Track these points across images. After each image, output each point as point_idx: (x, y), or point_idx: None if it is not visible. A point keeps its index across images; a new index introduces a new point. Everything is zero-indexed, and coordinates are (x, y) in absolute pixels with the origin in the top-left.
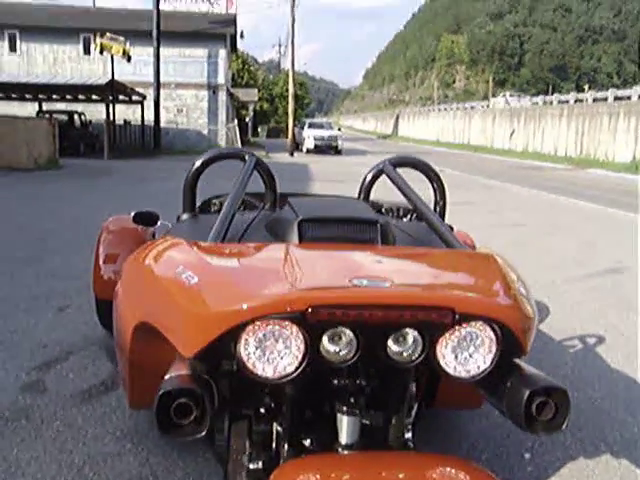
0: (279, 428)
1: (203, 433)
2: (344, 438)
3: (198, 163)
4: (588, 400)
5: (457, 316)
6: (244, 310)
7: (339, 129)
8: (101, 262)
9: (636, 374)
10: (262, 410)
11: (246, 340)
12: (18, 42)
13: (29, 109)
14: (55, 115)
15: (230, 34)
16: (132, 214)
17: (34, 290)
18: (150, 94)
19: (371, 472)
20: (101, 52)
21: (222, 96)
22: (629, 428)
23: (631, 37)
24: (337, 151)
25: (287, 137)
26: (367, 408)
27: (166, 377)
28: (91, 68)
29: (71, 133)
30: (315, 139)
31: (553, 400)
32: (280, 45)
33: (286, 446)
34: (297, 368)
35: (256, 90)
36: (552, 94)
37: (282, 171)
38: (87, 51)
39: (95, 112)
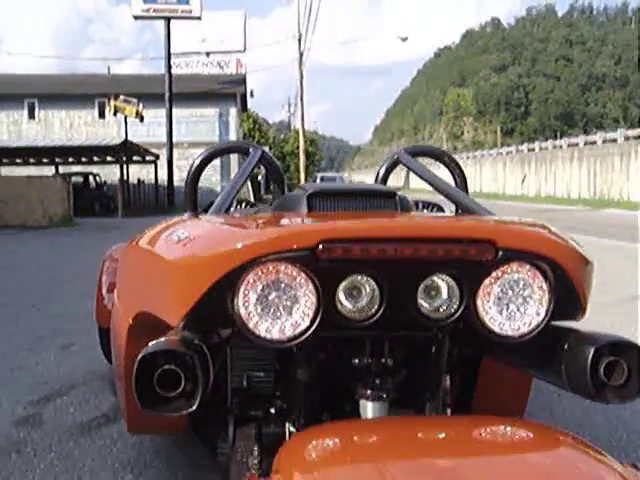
0: (292, 429)
1: (193, 408)
2: None
3: (199, 160)
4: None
5: (500, 252)
6: (239, 250)
7: (350, 182)
8: (104, 290)
9: None
10: (272, 410)
11: (245, 293)
12: (37, 110)
13: (46, 173)
14: (71, 177)
15: (240, 93)
16: None
17: (43, 330)
18: (163, 154)
19: (404, 435)
20: (115, 114)
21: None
22: None
23: (634, 83)
24: None
25: None
26: (395, 396)
27: (151, 343)
28: (106, 131)
29: (86, 193)
30: None
31: (624, 360)
32: (290, 105)
33: None
34: (309, 327)
35: (267, 147)
36: (561, 139)
37: None
38: (102, 115)
39: (110, 173)
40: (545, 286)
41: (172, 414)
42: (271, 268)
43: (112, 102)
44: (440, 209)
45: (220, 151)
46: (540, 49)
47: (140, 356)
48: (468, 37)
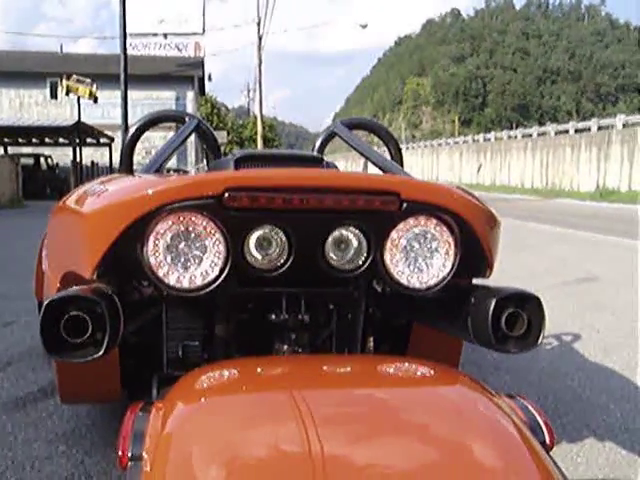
0: None
1: (100, 354)
2: None
3: (137, 125)
4: (568, 389)
5: (404, 204)
6: (145, 198)
7: None
8: (44, 265)
9: (614, 365)
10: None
11: (154, 242)
12: None
13: None
14: (21, 158)
15: (198, 76)
16: None
17: None
18: (118, 136)
19: (297, 369)
20: (67, 94)
21: (190, 137)
22: (612, 413)
23: (586, 77)
24: None
25: None
26: (314, 350)
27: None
28: (58, 112)
29: (37, 176)
30: None
31: (525, 312)
32: (249, 90)
33: None
34: (218, 277)
35: (225, 132)
36: (516, 130)
37: None
38: (54, 95)
39: (63, 156)
40: (451, 240)
41: (78, 360)
42: (181, 218)
43: (64, 82)
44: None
45: (158, 118)
46: (498, 41)
47: (47, 302)
48: (428, 27)
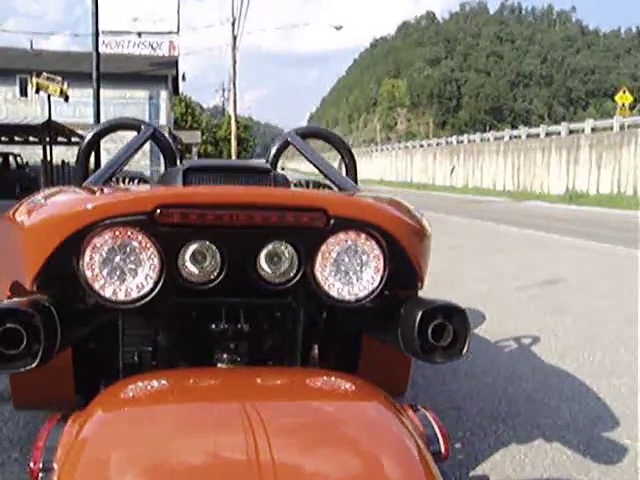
0: None
1: (34, 365)
2: None
3: (91, 135)
4: (522, 392)
5: (332, 220)
6: (80, 212)
7: (282, 169)
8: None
9: (568, 368)
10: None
11: (90, 255)
12: None
13: None
14: None
15: (172, 76)
16: None
17: None
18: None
19: (223, 384)
20: (37, 91)
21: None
22: (561, 415)
23: (557, 82)
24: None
25: None
26: (254, 360)
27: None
28: (28, 110)
29: (6, 174)
30: None
31: (451, 324)
32: (224, 90)
33: None
34: (152, 289)
35: (199, 132)
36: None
37: None
38: (24, 92)
39: (33, 154)
40: (380, 254)
41: (12, 371)
42: (116, 232)
43: (34, 79)
44: (329, 188)
45: (112, 127)
46: (472, 44)
47: None
48: (404, 29)
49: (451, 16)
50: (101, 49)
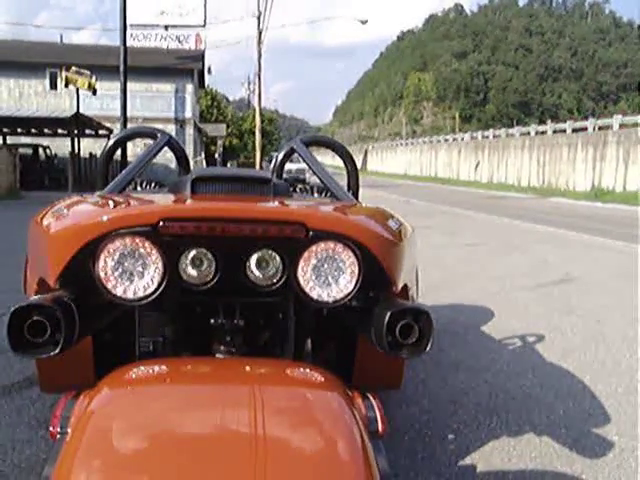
0: None
1: (56, 352)
2: None
3: (112, 141)
4: (519, 388)
5: (311, 233)
6: (96, 224)
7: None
8: (29, 266)
9: (569, 367)
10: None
11: (104, 259)
12: None
13: None
14: (20, 149)
15: (198, 69)
16: None
17: None
18: (117, 128)
19: (196, 373)
20: (66, 85)
21: (189, 130)
22: (555, 411)
23: (587, 75)
24: (305, 184)
25: None
26: (249, 352)
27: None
28: (57, 102)
29: (35, 166)
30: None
31: (418, 324)
32: (249, 82)
33: None
34: (156, 289)
35: (224, 125)
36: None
37: None
38: (54, 85)
39: (62, 146)
40: (355, 261)
41: (39, 356)
42: (126, 240)
43: (64, 73)
44: (333, 195)
45: (131, 135)
46: (501, 37)
47: (13, 308)
48: (431, 22)
49: (479, 9)
50: (129, 42)
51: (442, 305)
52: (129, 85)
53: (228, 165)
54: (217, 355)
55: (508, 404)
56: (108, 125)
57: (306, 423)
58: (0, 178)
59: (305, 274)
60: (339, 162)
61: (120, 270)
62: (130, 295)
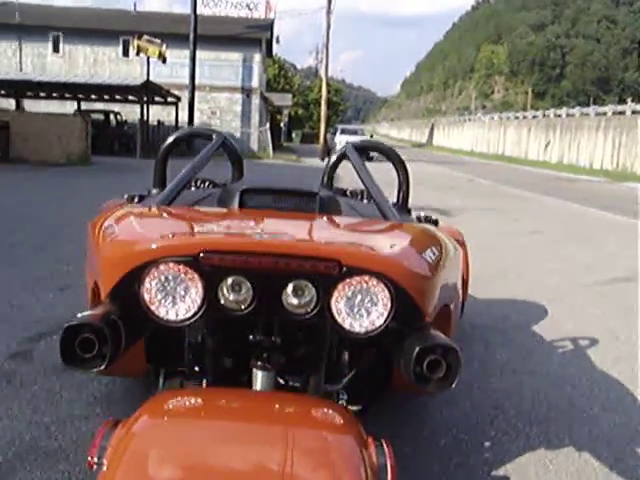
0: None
1: (102, 367)
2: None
3: (169, 141)
4: (564, 397)
5: (344, 268)
6: (143, 252)
7: (371, 136)
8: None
9: (619, 376)
10: (196, 368)
11: (149, 283)
12: (61, 44)
13: (68, 108)
14: (92, 114)
15: (266, 39)
16: (126, 196)
17: (44, 271)
18: (185, 96)
19: (229, 407)
20: (137, 53)
21: (256, 100)
22: (599, 424)
23: None
24: (368, 157)
25: (320, 142)
26: (285, 368)
27: (79, 315)
28: (129, 69)
29: (106, 132)
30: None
31: (446, 360)
32: (318, 52)
33: None
34: (196, 313)
35: (290, 95)
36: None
37: (305, 175)
38: (126, 53)
39: (132, 112)
40: (387, 295)
41: (87, 370)
42: (170, 266)
43: (136, 42)
44: (369, 196)
45: (187, 135)
46: (583, 8)
47: (65, 326)
48: None
49: None
50: (199, 9)
51: (495, 300)
52: (198, 53)
53: (293, 135)
54: (253, 370)
55: (550, 413)
56: (176, 92)
57: (322, 466)
58: (73, 145)
59: (338, 305)
60: (403, 135)
61: (163, 293)
62: (172, 317)
